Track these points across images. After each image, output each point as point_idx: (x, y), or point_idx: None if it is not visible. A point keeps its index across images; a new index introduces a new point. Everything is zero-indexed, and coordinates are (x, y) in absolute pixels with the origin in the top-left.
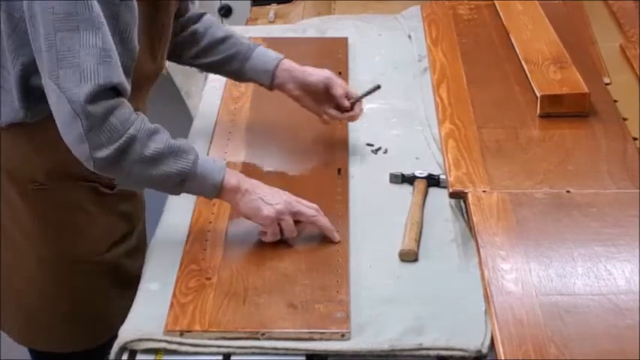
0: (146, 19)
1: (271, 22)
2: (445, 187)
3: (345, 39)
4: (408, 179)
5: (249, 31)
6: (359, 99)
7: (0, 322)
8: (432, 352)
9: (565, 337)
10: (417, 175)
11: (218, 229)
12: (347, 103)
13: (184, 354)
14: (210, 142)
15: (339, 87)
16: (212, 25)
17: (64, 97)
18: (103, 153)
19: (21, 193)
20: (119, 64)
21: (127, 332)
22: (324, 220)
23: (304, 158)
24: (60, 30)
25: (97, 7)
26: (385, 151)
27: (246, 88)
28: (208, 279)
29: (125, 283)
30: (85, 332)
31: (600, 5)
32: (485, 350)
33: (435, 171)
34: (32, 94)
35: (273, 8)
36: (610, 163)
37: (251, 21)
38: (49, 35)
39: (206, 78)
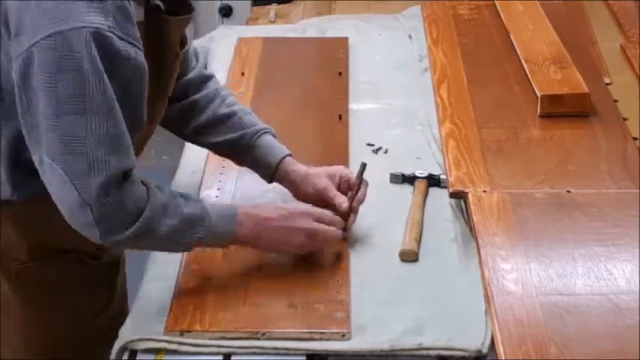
0: (150, 81)
1: (271, 22)
2: (445, 187)
3: (346, 39)
4: (409, 179)
5: (249, 31)
6: (357, 188)
7: None
8: (432, 352)
9: (565, 337)
10: (418, 175)
11: None
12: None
13: (185, 354)
14: None
15: (338, 197)
16: (215, 97)
17: (72, 185)
18: (117, 237)
19: (5, 272)
20: (130, 145)
21: (127, 332)
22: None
23: (304, 159)
24: (65, 113)
25: (107, 86)
26: (385, 151)
27: (246, 89)
28: (209, 279)
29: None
30: None
31: (600, 5)
32: (485, 350)
33: (436, 171)
34: (21, 168)
35: (273, 8)
36: (610, 163)
37: (251, 21)
38: (51, 116)
39: None
